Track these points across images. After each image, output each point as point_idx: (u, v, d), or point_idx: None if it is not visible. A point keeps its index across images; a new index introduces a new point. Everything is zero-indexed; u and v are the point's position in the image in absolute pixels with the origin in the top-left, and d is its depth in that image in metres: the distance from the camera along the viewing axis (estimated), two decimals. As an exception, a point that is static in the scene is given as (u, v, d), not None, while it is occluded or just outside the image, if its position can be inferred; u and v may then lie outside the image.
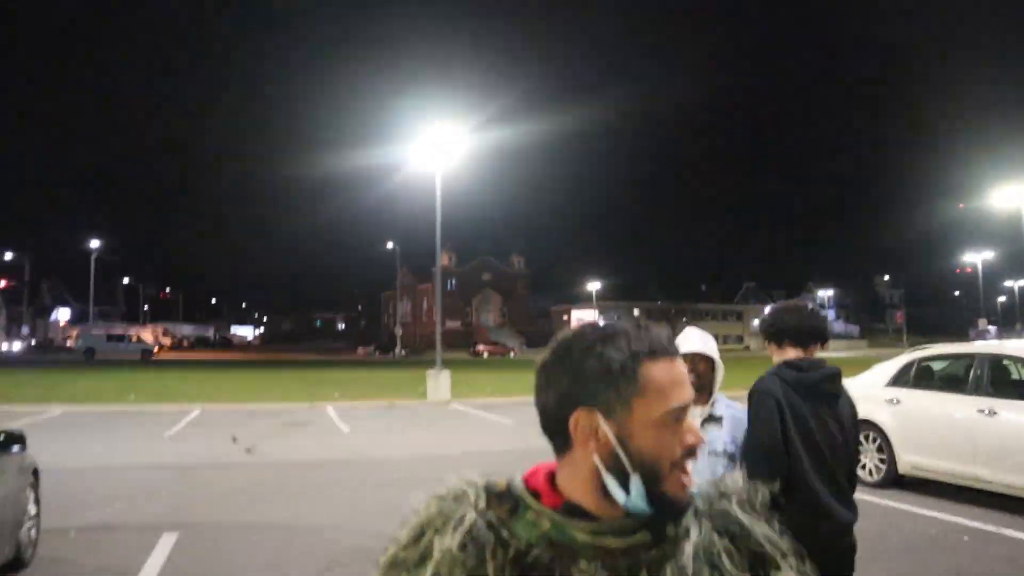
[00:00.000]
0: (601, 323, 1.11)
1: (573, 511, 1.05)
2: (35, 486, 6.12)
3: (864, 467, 8.70)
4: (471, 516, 1.03)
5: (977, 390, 7.74)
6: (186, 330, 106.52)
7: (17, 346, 68.89)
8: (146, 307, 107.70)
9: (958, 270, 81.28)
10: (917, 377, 8.69)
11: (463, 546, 1.01)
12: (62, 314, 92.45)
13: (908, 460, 8.29)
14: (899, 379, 8.73)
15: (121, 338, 56.97)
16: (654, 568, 1.02)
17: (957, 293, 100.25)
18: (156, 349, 58.63)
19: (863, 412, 9.45)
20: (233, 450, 11.94)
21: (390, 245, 76.65)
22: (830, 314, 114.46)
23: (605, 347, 1.04)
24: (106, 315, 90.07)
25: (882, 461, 8.51)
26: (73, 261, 79.65)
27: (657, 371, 1.03)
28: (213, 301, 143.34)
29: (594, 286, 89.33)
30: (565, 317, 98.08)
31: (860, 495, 8.65)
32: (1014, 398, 7.54)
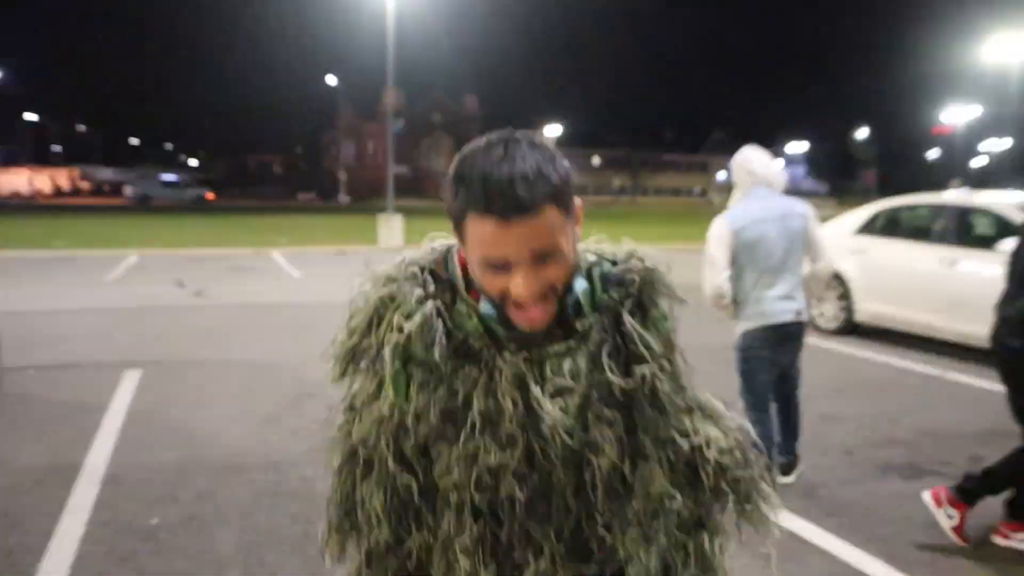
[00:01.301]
0: (487, 144, 1.20)
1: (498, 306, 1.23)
2: (-6, 319, 6.43)
3: (823, 315, 9.43)
4: (429, 305, 1.23)
5: (941, 240, 8.36)
6: (106, 174, 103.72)
7: None
8: (58, 147, 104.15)
9: (935, 130, 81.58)
10: (884, 227, 9.27)
11: (421, 331, 1.21)
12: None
13: (867, 308, 9.00)
14: (866, 228, 9.31)
15: (176, 183, 58.71)
16: (557, 361, 1.26)
17: (933, 153, 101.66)
18: (207, 194, 59.24)
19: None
20: (181, 294, 12.27)
21: (331, 80, 74.46)
22: (799, 170, 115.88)
23: (458, 185, 1.18)
24: (11, 156, 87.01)
25: (842, 309, 9.22)
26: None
27: (476, 227, 1.15)
28: (135, 142, 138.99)
29: (553, 131, 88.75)
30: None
31: (818, 342, 9.39)
32: (975, 248, 8.15)
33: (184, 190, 57.41)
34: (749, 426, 1.41)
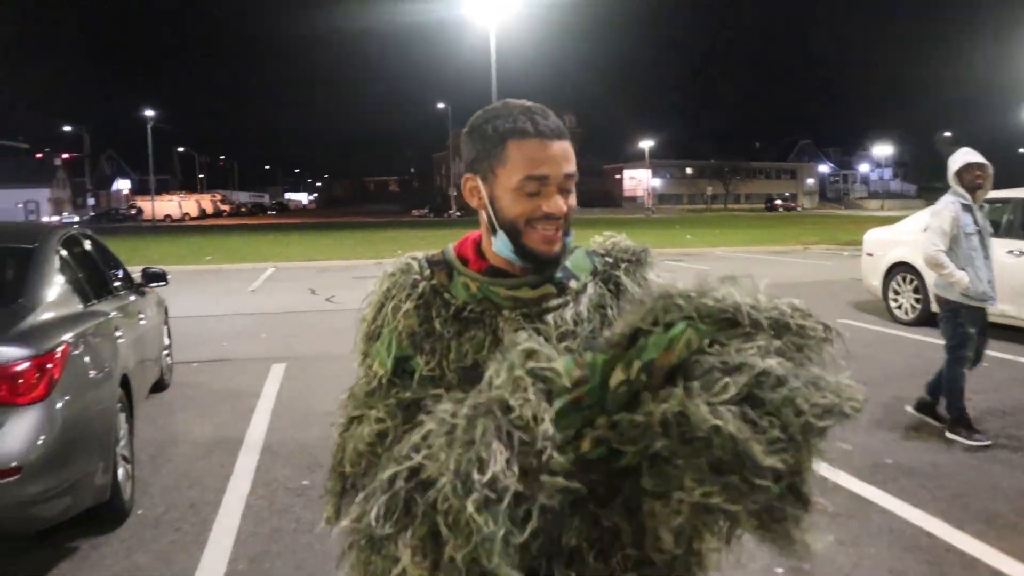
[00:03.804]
0: (506, 103, 1.31)
1: (495, 272, 1.32)
2: (166, 320, 7.13)
3: (900, 307, 9.35)
4: (423, 284, 1.31)
5: (1009, 233, 8.20)
6: (242, 197, 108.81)
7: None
8: (201, 175, 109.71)
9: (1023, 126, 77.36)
10: (956, 223, 9.14)
11: (417, 308, 1.29)
12: (123, 184, 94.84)
13: (942, 300, 8.90)
14: (938, 225, 9.19)
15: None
16: (559, 311, 1.31)
17: (1022, 150, 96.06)
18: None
19: (901, 256, 9.94)
20: (314, 299, 13.03)
21: (441, 105, 76.32)
22: (886, 173, 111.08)
23: (488, 125, 1.27)
24: (164, 184, 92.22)
25: (917, 301, 9.13)
26: (129, 132, 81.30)
27: (520, 148, 1.23)
28: (267, 167, 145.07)
29: (647, 144, 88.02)
30: (618, 176, 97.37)
31: (896, 331, 9.33)
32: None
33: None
34: None
